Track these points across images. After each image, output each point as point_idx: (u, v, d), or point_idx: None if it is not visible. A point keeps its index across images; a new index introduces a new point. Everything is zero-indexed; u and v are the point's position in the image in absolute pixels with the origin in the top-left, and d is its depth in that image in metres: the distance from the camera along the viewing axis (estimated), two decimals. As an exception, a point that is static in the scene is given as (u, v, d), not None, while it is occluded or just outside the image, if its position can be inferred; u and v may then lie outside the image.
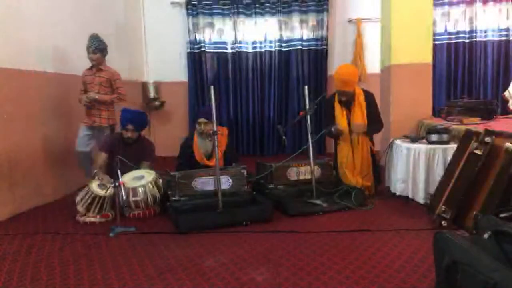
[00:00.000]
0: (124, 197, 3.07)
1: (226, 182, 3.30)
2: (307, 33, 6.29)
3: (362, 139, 3.72)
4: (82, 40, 4.59)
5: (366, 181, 3.70)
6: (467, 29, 6.04)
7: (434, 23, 5.71)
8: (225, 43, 6.35)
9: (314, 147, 3.51)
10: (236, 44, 6.32)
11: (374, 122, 3.77)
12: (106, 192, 3.18)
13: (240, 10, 6.27)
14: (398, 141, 3.60)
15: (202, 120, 3.76)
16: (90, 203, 3.16)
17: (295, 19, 6.26)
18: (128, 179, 3.27)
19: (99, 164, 3.60)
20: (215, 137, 3.15)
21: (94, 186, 3.20)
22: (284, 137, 3.77)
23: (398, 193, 3.48)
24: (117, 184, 2.96)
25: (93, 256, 2.49)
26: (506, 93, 5.00)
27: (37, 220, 3.31)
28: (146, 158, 3.77)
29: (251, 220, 3.00)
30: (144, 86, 6.30)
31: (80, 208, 3.17)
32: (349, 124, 3.74)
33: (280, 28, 6.27)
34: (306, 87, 3.57)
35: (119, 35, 5.58)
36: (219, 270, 2.23)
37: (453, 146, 3.19)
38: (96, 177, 3.38)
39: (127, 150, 3.61)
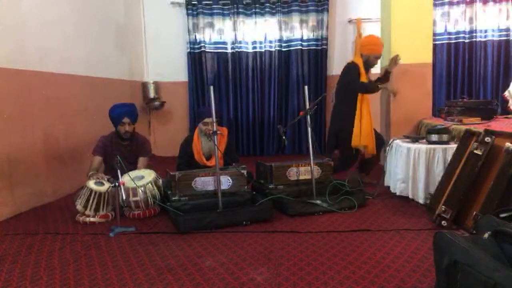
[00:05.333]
0: (124, 197, 3.07)
1: (226, 182, 3.30)
2: (307, 33, 6.29)
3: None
4: (82, 40, 4.61)
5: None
6: (467, 29, 6.03)
7: (434, 23, 5.71)
8: (225, 43, 6.35)
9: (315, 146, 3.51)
10: (236, 44, 6.32)
11: None
12: (103, 188, 3.17)
13: (240, 10, 6.27)
14: (398, 141, 3.61)
15: (209, 120, 3.61)
16: (87, 200, 3.15)
17: (295, 19, 6.26)
18: (128, 179, 3.26)
19: (94, 167, 3.53)
20: (215, 137, 3.15)
21: (91, 183, 3.20)
22: (284, 137, 3.77)
23: (398, 193, 3.48)
24: (117, 184, 2.96)
25: (93, 256, 2.49)
26: (506, 93, 5.00)
27: (37, 220, 3.31)
28: (142, 154, 3.74)
29: (251, 220, 3.01)
30: (144, 86, 6.29)
31: (79, 206, 3.17)
32: None
33: (280, 28, 6.27)
34: (306, 87, 3.57)
35: (119, 35, 5.58)
36: (219, 270, 2.23)
37: (453, 146, 3.19)
38: (93, 178, 3.35)
39: (121, 149, 3.58)
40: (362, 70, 3.99)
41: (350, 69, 4.06)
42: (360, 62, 4.04)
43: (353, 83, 3.99)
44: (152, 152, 3.98)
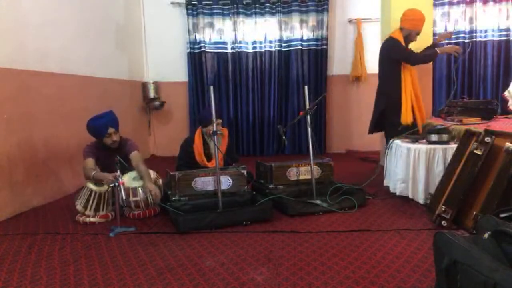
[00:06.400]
0: (124, 197, 3.07)
1: (226, 182, 3.30)
2: (307, 33, 6.29)
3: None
4: (82, 40, 4.61)
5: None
6: (467, 29, 6.04)
7: (434, 23, 5.71)
8: (225, 43, 6.35)
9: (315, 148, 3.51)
10: (236, 44, 6.32)
11: None
12: (103, 188, 3.17)
13: (240, 10, 6.28)
14: (398, 141, 3.60)
15: (218, 121, 3.55)
16: (87, 200, 3.16)
17: (295, 19, 6.27)
18: (128, 179, 3.27)
19: (91, 167, 3.32)
20: (215, 137, 3.15)
21: (91, 184, 3.21)
22: (284, 137, 3.77)
23: (398, 193, 3.48)
24: (117, 184, 2.96)
25: (93, 256, 2.49)
26: (506, 93, 4.99)
27: (37, 220, 3.31)
28: (131, 150, 3.46)
29: (251, 220, 3.00)
30: (144, 86, 6.30)
31: (79, 206, 3.17)
32: None
33: (280, 28, 6.27)
34: (306, 87, 3.57)
35: (119, 35, 5.58)
36: (219, 270, 2.23)
37: (453, 146, 3.19)
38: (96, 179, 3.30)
39: (111, 157, 3.26)
40: (403, 45, 3.86)
41: (396, 44, 3.85)
42: (400, 37, 3.87)
43: (411, 57, 3.84)
44: (138, 146, 3.65)
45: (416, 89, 3.94)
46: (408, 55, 3.87)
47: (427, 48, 4.10)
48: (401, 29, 3.94)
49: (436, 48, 3.95)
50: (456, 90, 5.26)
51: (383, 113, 4.04)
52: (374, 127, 4.21)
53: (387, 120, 4.02)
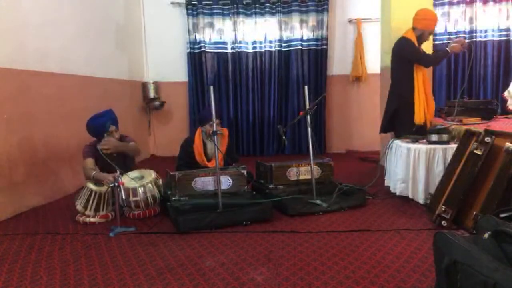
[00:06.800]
0: (124, 197, 3.07)
1: (226, 182, 3.30)
2: (307, 33, 6.29)
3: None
4: (82, 40, 4.61)
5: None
6: (467, 29, 6.04)
7: (434, 23, 5.71)
8: (225, 43, 6.35)
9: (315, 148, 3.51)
10: (236, 44, 6.32)
11: None
12: (103, 188, 3.17)
13: (240, 10, 6.28)
14: (398, 141, 3.60)
15: (216, 121, 3.47)
16: (87, 200, 3.16)
17: (295, 19, 6.27)
18: (128, 179, 3.26)
19: (91, 167, 3.34)
20: (215, 137, 3.15)
21: (91, 184, 3.21)
22: (284, 137, 3.77)
23: (398, 193, 3.48)
24: (116, 184, 2.96)
25: (93, 256, 2.49)
26: (506, 93, 4.99)
27: (37, 220, 3.31)
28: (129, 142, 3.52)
29: (251, 220, 3.00)
30: (144, 86, 6.30)
31: (79, 206, 3.17)
32: None
33: (280, 28, 6.27)
34: (306, 87, 3.57)
35: (119, 35, 5.58)
36: (219, 270, 2.23)
37: (453, 146, 3.19)
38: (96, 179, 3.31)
39: (112, 159, 3.27)
40: (416, 45, 3.84)
41: (409, 44, 3.82)
42: (413, 37, 3.84)
43: (424, 59, 3.82)
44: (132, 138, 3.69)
45: (427, 88, 3.93)
46: (421, 57, 3.86)
47: (436, 50, 4.11)
48: (413, 29, 3.90)
49: (446, 48, 3.94)
50: (463, 89, 5.29)
51: (396, 112, 4.02)
52: (386, 127, 4.18)
53: (399, 119, 4.00)
